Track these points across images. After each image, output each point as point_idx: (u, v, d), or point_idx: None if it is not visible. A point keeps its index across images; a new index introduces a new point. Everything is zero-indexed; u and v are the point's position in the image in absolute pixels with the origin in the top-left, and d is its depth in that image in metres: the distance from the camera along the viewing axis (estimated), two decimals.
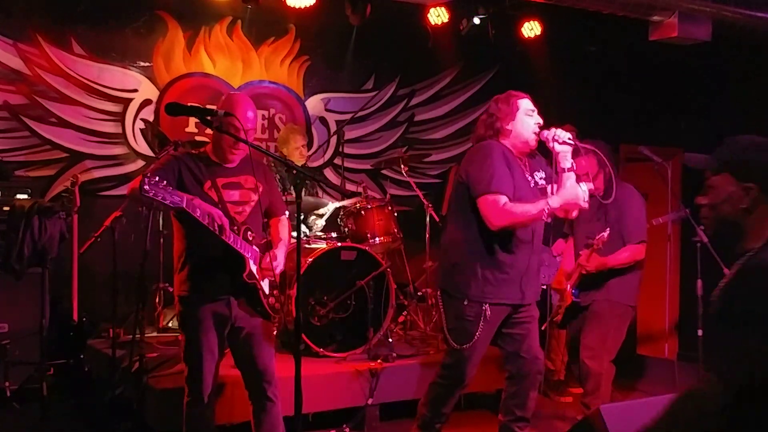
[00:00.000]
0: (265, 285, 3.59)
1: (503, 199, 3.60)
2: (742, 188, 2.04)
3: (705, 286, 5.17)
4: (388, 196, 5.80)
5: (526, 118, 3.78)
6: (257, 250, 3.57)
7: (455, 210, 3.92)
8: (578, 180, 3.81)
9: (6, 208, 4.87)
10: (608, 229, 4.26)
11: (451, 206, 4.04)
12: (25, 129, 5.82)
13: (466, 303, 3.74)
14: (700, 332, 5.20)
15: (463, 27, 6.58)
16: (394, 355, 4.97)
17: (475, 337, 3.72)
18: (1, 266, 4.77)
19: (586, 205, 3.74)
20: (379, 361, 4.88)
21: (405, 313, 5.69)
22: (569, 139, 3.72)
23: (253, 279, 3.51)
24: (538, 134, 3.76)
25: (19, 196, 5.07)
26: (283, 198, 4.22)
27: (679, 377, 5.66)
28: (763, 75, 7.08)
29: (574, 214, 3.90)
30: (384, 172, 7.05)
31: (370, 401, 4.72)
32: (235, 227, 3.47)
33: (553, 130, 3.75)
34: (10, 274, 4.78)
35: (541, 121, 3.80)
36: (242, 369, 3.64)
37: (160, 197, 3.12)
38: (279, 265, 3.62)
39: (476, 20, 6.54)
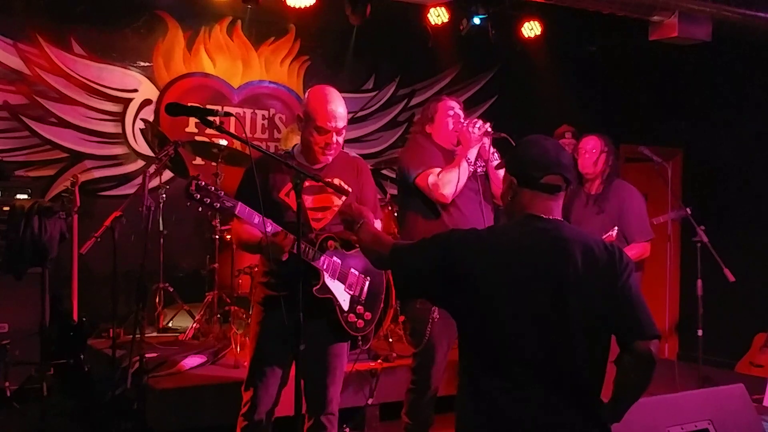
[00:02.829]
0: (344, 301, 3.28)
1: (437, 170, 3.76)
2: (509, 181, 2.37)
3: (705, 286, 5.16)
4: (388, 196, 5.80)
5: (447, 120, 3.92)
6: (339, 262, 3.26)
7: (400, 213, 4.09)
8: (584, 154, 4.38)
9: (6, 208, 4.87)
10: (616, 228, 4.23)
11: (398, 211, 4.14)
12: (25, 129, 5.82)
13: (418, 301, 3.78)
14: (700, 332, 5.20)
15: (463, 27, 6.58)
16: (394, 355, 4.97)
17: (426, 337, 3.76)
18: (1, 266, 4.77)
19: (486, 126, 3.81)
20: (379, 361, 4.88)
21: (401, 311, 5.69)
22: (478, 129, 3.79)
23: (326, 293, 3.20)
24: (456, 131, 3.88)
25: (19, 196, 5.06)
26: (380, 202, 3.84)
27: (679, 377, 5.65)
28: (763, 75, 7.08)
29: (486, 144, 3.89)
30: (384, 172, 7.04)
31: (370, 401, 4.72)
32: (313, 235, 3.20)
33: (467, 121, 3.84)
34: (10, 274, 4.78)
35: (460, 119, 3.90)
36: (306, 387, 3.29)
37: (207, 201, 2.93)
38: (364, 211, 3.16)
39: (476, 20, 6.54)
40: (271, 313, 3.30)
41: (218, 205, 2.96)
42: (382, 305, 3.48)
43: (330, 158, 3.31)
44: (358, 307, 3.35)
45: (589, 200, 4.53)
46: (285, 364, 3.31)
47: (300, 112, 3.32)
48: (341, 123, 3.25)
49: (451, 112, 3.93)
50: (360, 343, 3.44)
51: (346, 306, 3.30)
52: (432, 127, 3.96)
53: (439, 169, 3.77)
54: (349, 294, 3.33)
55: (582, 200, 4.58)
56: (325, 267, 3.21)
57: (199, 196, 2.91)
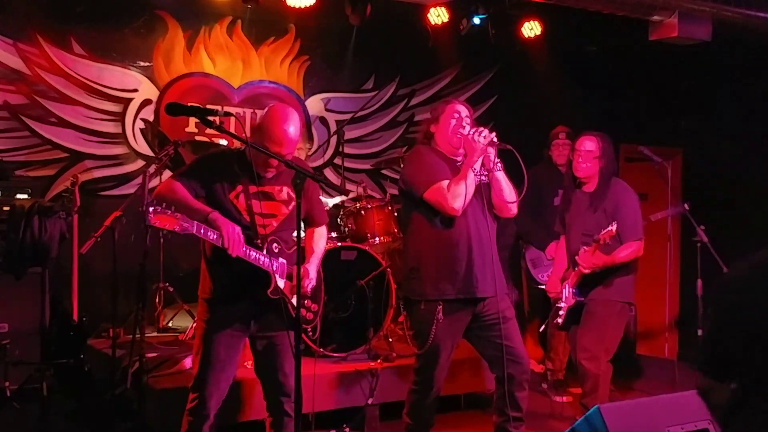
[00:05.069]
0: (294, 297, 3.44)
1: (445, 183, 3.77)
2: None
3: (705, 286, 5.16)
4: (388, 196, 5.81)
5: (451, 122, 3.92)
6: (284, 262, 3.45)
7: (403, 218, 4.09)
8: (578, 158, 4.42)
9: (6, 208, 4.87)
10: (615, 223, 4.23)
11: (400, 215, 4.21)
12: (25, 129, 5.82)
13: (423, 304, 3.83)
14: (700, 332, 5.20)
15: (463, 27, 6.58)
16: (394, 355, 4.98)
17: (430, 339, 3.77)
18: (1, 266, 4.77)
19: (491, 136, 3.78)
20: (379, 361, 4.88)
21: (405, 313, 5.69)
22: (484, 138, 3.77)
23: (278, 294, 3.36)
24: (460, 136, 3.87)
25: (19, 196, 5.06)
26: (325, 208, 4.01)
27: (678, 377, 5.65)
28: (763, 75, 7.08)
29: (491, 154, 3.88)
30: (384, 172, 7.05)
31: (370, 401, 4.72)
32: (259, 240, 3.34)
33: (472, 130, 3.82)
34: (10, 274, 4.78)
35: (462, 123, 3.90)
36: (262, 379, 3.55)
37: (168, 227, 3.02)
38: (311, 281, 3.50)
39: (476, 20, 6.54)
40: (219, 311, 3.39)
41: (177, 228, 3.05)
42: (323, 295, 3.76)
43: (270, 174, 3.40)
44: (306, 300, 3.56)
45: (585, 199, 4.53)
46: (234, 361, 3.44)
47: (257, 123, 3.39)
48: (287, 148, 3.31)
49: (456, 115, 3.92)
50: (310, 333, 3.74)
51: (296, 302, 3.42)
52: (436, 126, 3.96)
53: (447, 182, 3.76)
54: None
55: (578, 199, 4.58)
56: (275, 269, 3.35)
57: (158, 224, 3.00)
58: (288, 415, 3.49)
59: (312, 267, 3.54)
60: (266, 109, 3.43)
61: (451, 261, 3.80)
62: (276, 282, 3.36)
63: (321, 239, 3.69)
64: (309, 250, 3.62)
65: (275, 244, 3.40)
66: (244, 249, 3.26)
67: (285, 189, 3.45)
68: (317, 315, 3.68)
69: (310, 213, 3.64)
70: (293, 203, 3.45)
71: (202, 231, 3.14)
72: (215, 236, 3.16)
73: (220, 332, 3.38)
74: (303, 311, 3.53)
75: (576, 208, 4.57)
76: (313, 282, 3.54)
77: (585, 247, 4.38)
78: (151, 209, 2.99)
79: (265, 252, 3.34)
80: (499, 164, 3.90)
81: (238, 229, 3.23)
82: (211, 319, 3.41)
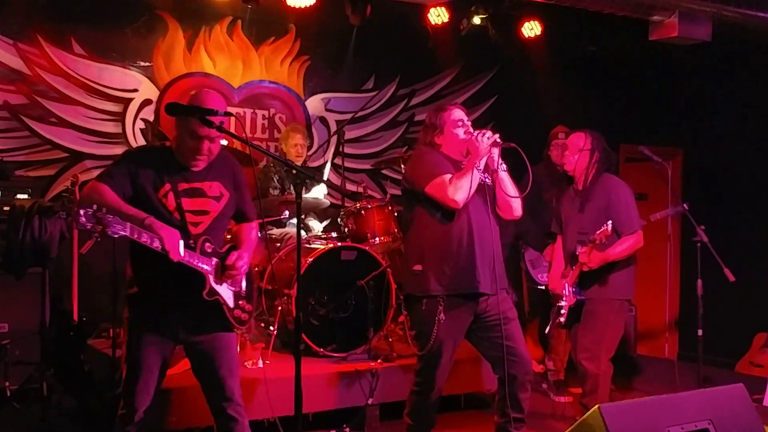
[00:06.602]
0: (229, 298, 3.35)
1: (447, 176, 3.78)
2: None
3: (705, 285, 5.16)
4: (388, 196, 5.80)
5: (454, 130, 3.93)
6: (218, 262, 3.30)
7: (406, 219, 4.09)
8: (567, 151, 4.49)
9: (6, 208, 4.87)
10: (609, 221, 4.23)
11: (403, 216, 4.22)
12: (25, 129, 5.83)
13: (425, 303, 3.83)
14: (700, 332, 5.20)
15: (463, 27, 6.59)
16: (394, 355, 4.98)
17: (432, 339, 3.77)
18: (1, 266, 4.77)
19: (495, 137, 3.81)
20: (379, 361, 4.88)
21: (405, 313, 5.69)
22: (487, 139, 3.79)
23: (214, 295, 3.26)
24: (466, 141, 3.89)
25: (19, 196, 5.07)
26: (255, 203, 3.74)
27: (679, 377, 5.65)
28: (763, 75, 7.08)
29: (495, 155, 3.89)
30: (384, 172, 7.05)
31: (370, 401, 4.72)
32: (191, 240, 3.19)
33: (476, 132, 3.84)
34: (10, 274, 4.78)
35: (469, 129, 3.92)
36: (201, 383, 3.41)
37: (99, 230, 2.86)
38: (244, 266, 3.35)
39: (476, 20, 6.55)
40: (147, 313, 3.28)
41: (109, 231, 2.89)
42: (256, 294, 3.61)
43: (201, 165, 3.28)
44: (241, 301, 3.43)
45: (576, 197, 4.53)
46: (162, 366, 3.32)
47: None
48: (215, 132, 3.18)
49: (460, 123, 3.93)
50: (245, 335, 3.76)
51: (231, 303, 3.37)
52: (442, 137, 3.96)
53: (450, 175, 3.78)
54: (232, 290, 3.39)
55: (570, 197, 4.58)
56: (209, 269, 3.25)
57: (90, 225, 2.85)
58: (234, 420, 3.35)
59: (246, 254, 3.37)
60: (194, 93, 3.32)
61: (452, 257, 3.80)
62: (211, 284, 3.25)
63: (252, 231, 3.53)
64: (241, 240, 3.45)
65: (207, 244, 3.25)
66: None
67: (216, 184, 3.32)
68: (251, 315, 3.52)
69: (242, 208, 3.47)
70: (225, 199, 3.34)
71: (136, 234, 2.99)
72: (148, 239, 3.01)
73: (145, 342, 3.25)
74: (238, 312, 3.38)
75: (570, 207, 4.57)
76: (245, 267, 3.38)
77: (582, 247, 4.37)
78: (82, 211, 2.84)
79: (198, 252, 3.20)
80: (503, 165, 3.91)
81: (177, 233, 3.09)
82: (138, 321, 3.29)
